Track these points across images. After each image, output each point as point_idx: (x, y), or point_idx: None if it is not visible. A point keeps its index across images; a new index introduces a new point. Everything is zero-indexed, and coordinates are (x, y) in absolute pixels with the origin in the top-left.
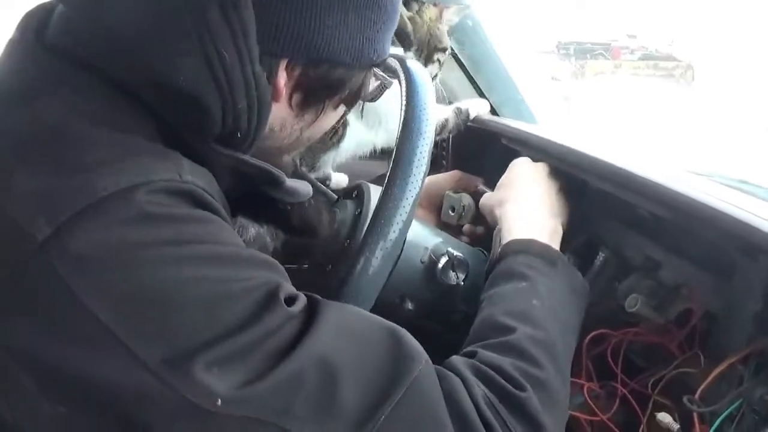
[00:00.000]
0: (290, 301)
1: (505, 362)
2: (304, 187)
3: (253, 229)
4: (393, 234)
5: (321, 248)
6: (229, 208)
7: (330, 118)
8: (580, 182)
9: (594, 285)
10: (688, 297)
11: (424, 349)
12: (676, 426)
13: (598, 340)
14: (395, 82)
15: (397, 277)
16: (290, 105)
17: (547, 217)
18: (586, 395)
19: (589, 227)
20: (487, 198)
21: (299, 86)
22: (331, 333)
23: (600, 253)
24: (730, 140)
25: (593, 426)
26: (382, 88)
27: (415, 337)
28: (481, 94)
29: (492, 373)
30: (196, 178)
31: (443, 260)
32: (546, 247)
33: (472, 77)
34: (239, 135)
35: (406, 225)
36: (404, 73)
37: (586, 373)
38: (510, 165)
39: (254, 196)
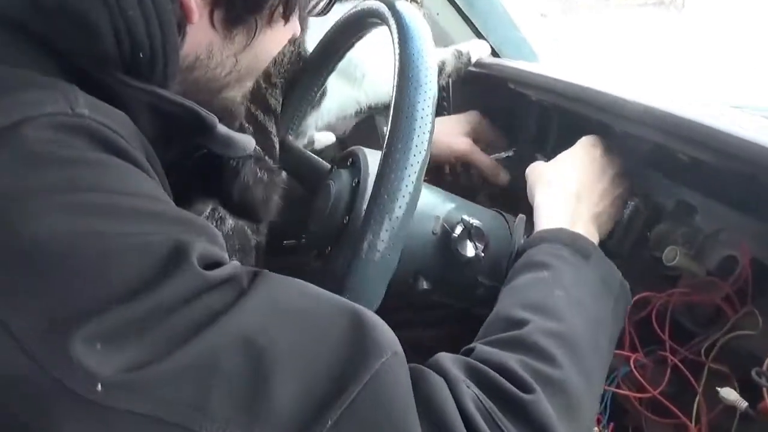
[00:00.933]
0: (211, 266)
1: (509, 358)
2: (243, 139)
3: (231, 221)
4: (399, 210)
5: (317, 226)
6: (159, 162)
7: (271, 40)
8: (599, 125)
9: (624, 238)
10: (729, 243)
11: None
12: (743, 404)
13: (639, 304)
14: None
15: (407, 254)
16: (212, 24)
17: (590, 207)
18: (633, 367)
19: None
20: (535, 168)
21: (216, 2)
22: (266, 309)
23: (628, 202)
24: (728, 65)
25: (642, 403)
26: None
27: (437, 315)
28: (479, 35)
29: (488, 370)
30: (98, 114)
31: (458, 230)
32: (576, 236)
33: (466, 16)
34: (142, 57)
35: (414, 197)
36: (393, 16)
37: (629, 342)
38: (579, 141)
39: (195, 155)
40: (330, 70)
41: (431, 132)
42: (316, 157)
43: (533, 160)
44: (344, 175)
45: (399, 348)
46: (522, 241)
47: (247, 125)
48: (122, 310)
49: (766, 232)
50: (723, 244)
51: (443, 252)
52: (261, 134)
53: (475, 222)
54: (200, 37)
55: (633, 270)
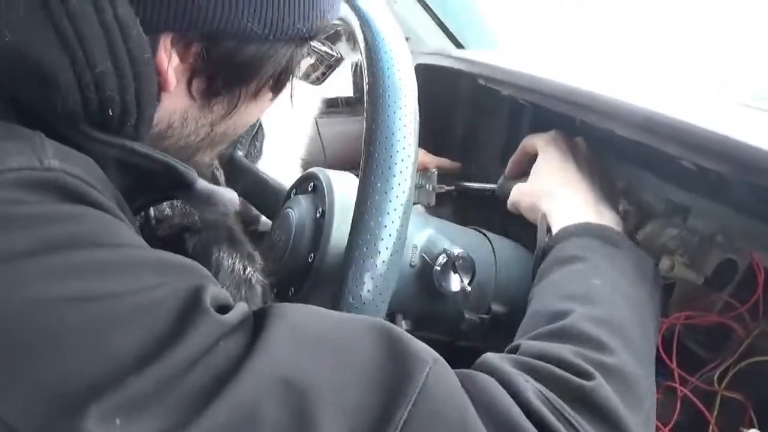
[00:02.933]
0: (223, 309)
1: (561, 349)
2: (225, 194)
3: (228, 261)
4: (386, 253)
5: (276, 264)
6: (130, 212)
7: (253, 110)
8: (575, 123)
9: None
10: (727, 246)
11: None
12: None
13: None
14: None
15: None
16: (190, 94)
17: (606, 202)
18: None
19: None
20: (524, 192)
21: (198, 70)
22: (291, 342)
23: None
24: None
25: None
26: (325, 66)
27: None
28: (439, 22)
29: (542, 363)
30: (68, 163)
31: (441, 261)
32: (603, 227)
33: (425, 3)
34: (111, 113)
35: (400, 238)
36: (357, 18)
37: None
38: (541, 144)
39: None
40: None
41: (416, 159)
42: (271, 178)
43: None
44: (305, 202)
45: (438, 355)
46: (546, 239)
47: None
48: (138, 378)
49: None
50: (721, 247)
51: (424, 287)
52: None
53: (458, 251)
54: (175, 104)
55: None
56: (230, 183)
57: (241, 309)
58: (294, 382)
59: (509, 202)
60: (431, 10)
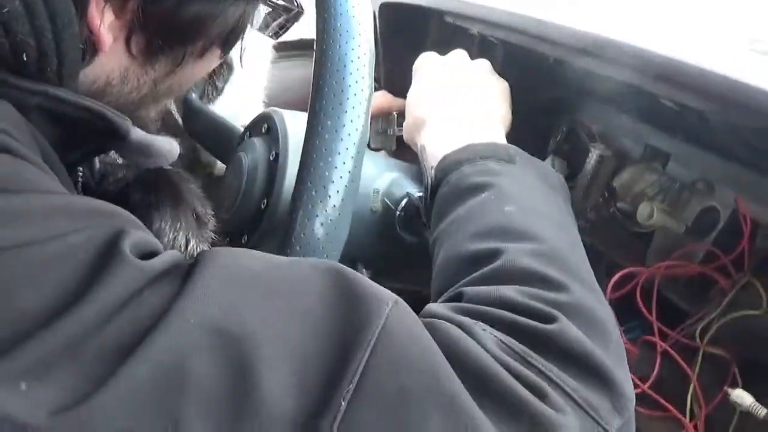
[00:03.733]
0: (148, 256)
1: (510, 291)
2: (164, 145)
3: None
4: (337, 197)
5: (229, 209)
6: (62, 167)
7: (200, 67)
8: (549, 62)
9: (589, 190)
10: (709, 194)
11: None
12: (763, 411)
13: (619, 280)
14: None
15: None
16: (129, 52)
17: (492, 116)
18: None
19: (569, 118)
20: (406, 126)
21: (136, 29)
22: (223, 287)
23: (592, 149)
24: None
25: None
26: (284, 18)
27: None
28: None
29: (496, 310)
30: None
31: (403, 206)
32: (491, 146)
33: None
34: (26, 58)
35: (353, 181)
36: None
37: None
38: (414, 68)
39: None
40: None
41: (369, 95)
42: (224, 119)
43: None
44: (258, 145)
45: (397, 297)
46: (432, 174)
47: None
48: (46, 337)
49: (757, 182)
50: (702, 194)
51: (386, 234)
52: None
53: (423, 194)
54: (113, 61)
55: (599, 227)
56: (184, 125)
57: (170, 256)
58: (227, 331)
59: (405, 139)
60: None
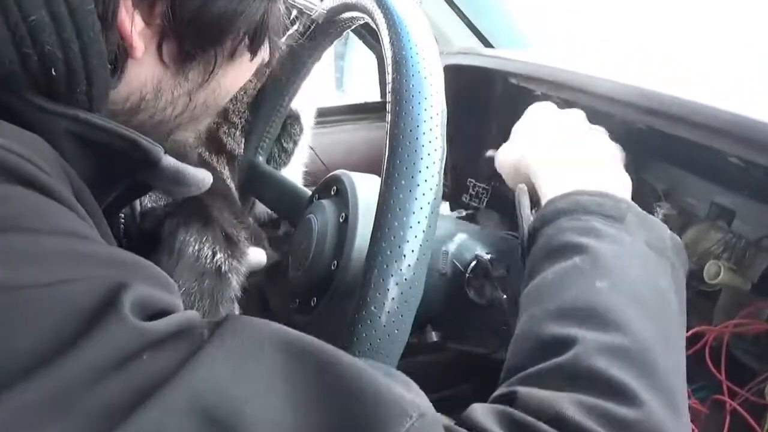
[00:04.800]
0: (155, 316)
1: (565, 402)
2: (196, 174)
3: (194, 247)
4: (411, 256)
5: (297, 272)
6: (95, 204)
7: (232, 75)
8: (614, 121)
9: None
10: None
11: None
12: None
13: (688, 341)
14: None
15: None
16: (162, 61)
17: (599, 159)
18: None
19: (634, 177)
20: (504, 152)
21: (166, 33)
22: (231, 366)
23: (657, 207)
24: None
25: None
26: (306, 19)
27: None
28: (467, 23)
29: (540, 426)
30: (12, 141)
31: (472, 268)
32: (602, 197)
33: (453, 2)
34: (55, 74)
35: (428, 240)
36: (380, 9)
37: None
38: (529, 109)
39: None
40: (302, 78)
41: (443, 156)
42: (292, 182)
43: None
44: (328, 207)
45: (427, 407)
46: (531, 219)
47: None
48: (32, 383)
49: None
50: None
51: (455, 296)
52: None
53: (492, 257)
54: (146, 73)
55: None
56: (251, 189)
57: (179, 318)
58: (217, 415)
59: (497, 164)
60: (459, 9)
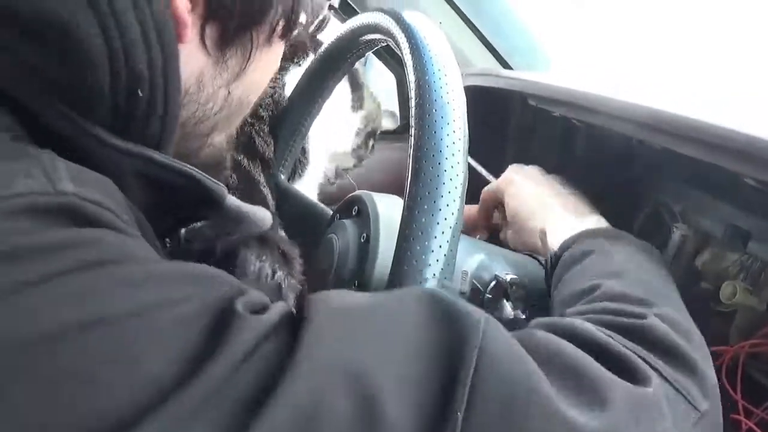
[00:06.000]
0: (259, 312)
1: (606, 305)
2: (257, 213)
3: (255, 265)
4: (433, 280)
5: (318, 290)
6: (154, 236)
7: (265, 64)
8: (632, 143)
9: (672, 271)
10: None
11: None
12: None
13: None
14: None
15: None
16: (204, 46)
17: (585, 210)
18: None
19: (651, 198)
20: (514, 238)
21: (211, 13)
22: (337, 328)
23: (674, 228)
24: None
25: None
26: (321, 13)
27: None
28: (486, 44)
29: (593, 315)
30: (84, 186)
31: (491, 288)
32: (603, 228)
33: (473, 24)
34: (141, 95)
35: (449, 264)
36: (403, 32)
37: None
38: (505, 183)
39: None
40: (323, 98)
41: (464, 182)
42: (314, 201)
43: None
44: (349, 228)
45: (486, 313)
46: (552, 253)
47: (230, 174)
48: (181, 397)
49: None
50: None
51: None
52: (248, 185)
53: (511, 277)
54: (190, 63)
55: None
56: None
57: (280, 307)
58: (350, 368)
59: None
60: (479, 31)
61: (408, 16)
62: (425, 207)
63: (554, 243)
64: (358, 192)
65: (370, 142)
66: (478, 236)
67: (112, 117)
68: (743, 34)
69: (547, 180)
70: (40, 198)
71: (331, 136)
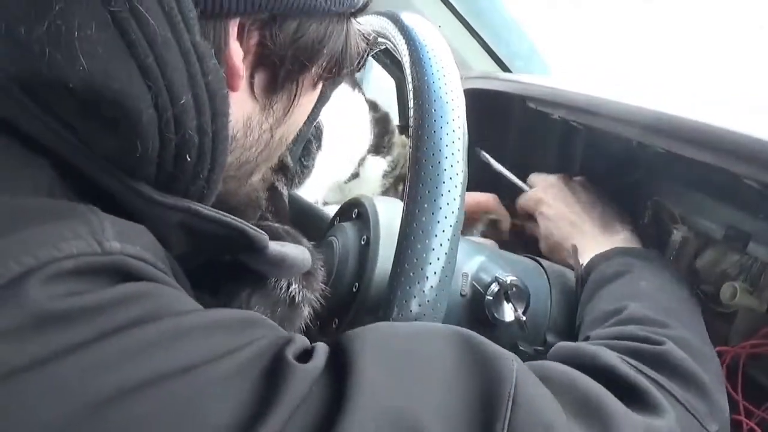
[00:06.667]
0: (305, 356)
1: (628, 329)
2: (298, 256)
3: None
4: (434, 278)
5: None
6: (184, 278)
7: (306, 103)
8: (632, 145)
9: None
10: None
11: None
12: None
13: None
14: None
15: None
16: (253, 93)
17: (618, 227)
18: None
19: (651, 200)
20: (544, 246)
21: (261, 60)
22: (383, 371)
23: (675, 231)
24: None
25: None
26: (365, 50)
27: None
28: (486, 48)
29: (615, 341)
30: (128, 243)
31: (493, 290)
32: (633, 248)
33: (472, 28)
34: (189, 160)
35: (449, 262)
36: (402, 34)
37: None
38: (543, 190)
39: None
40: (322, 101)
41: (464, 181)
42: (314, 204)
43: None
44: (349, 230)
45: (514, 354)
46: (582, 269)
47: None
48: None
49: None
50: None
51: (475, 317)
52: (273, 196)
53: (511, 279)
54: (238, 109)
55: None
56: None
57: (321, 351)
58: (397, 411)
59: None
60: (478, 35)
61: (406, 17)
62: (425, 206)
63: (585, 260)
64: (358, 195)
65: (399, 187)
66: (474, 231)
67: (157, 176)
68: (742, 34)
69: (574, 194)
70: (90, 258)
71: (335, 165)
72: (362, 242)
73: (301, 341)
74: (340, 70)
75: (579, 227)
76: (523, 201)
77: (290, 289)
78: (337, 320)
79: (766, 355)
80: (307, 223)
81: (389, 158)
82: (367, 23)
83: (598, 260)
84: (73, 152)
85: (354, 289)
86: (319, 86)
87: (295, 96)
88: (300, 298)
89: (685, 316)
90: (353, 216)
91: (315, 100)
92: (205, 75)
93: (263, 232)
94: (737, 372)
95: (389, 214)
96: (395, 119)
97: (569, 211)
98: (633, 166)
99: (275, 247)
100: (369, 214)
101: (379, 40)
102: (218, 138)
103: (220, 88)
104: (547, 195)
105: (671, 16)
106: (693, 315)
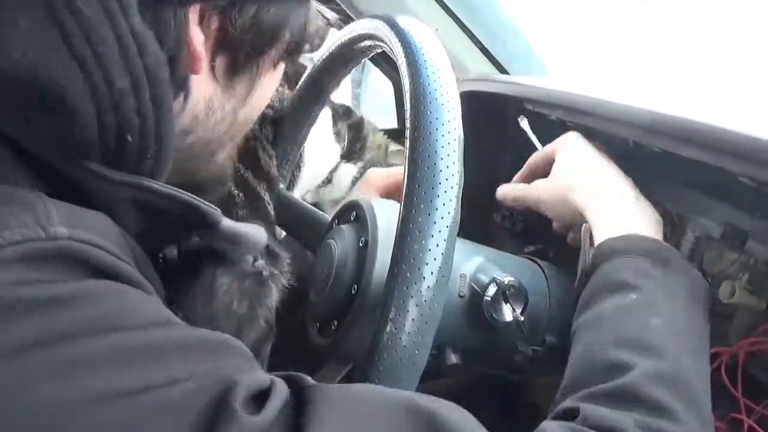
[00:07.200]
0: (257, 401)
1: (624, 420)
2: (252, 233)
3: (224, 279)
4: (431, 278)
5: (318, 296)
6: (148, 262)
7: (268, 86)
8: (628, 145)
9: None
10: None
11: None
12: None
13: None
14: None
15: None
16: (214, 75)
17: (642, 203)
18: None
19: (646, 199)
20: (547, 187)
21: (222, 44)
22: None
23: (689, 231)
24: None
25: None
26: (323, 30)
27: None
28: (483, 50)
29: (614, 418)
30: (77, 228)
31: (491, 291)
32: (653, 242)
33: (469, 30)
34: (130, 140)
35: (447, 262)
36: (397, 37)
37: None
38: (561, 142)
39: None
40: (321, 105)
41: (460, 181)
42: (312, 208)
43: None
44: (347, 232)
45: (477, 421)
46: (590, 255)
47: (237, 192)
48: None
49: None
50: None
51: (474, 318)
52: (253, 202)
53: (509, 279)
54: (199, 91)
55: None
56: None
57: (278, 401)
58: None
59: (538, 200)
60: (476, 37)
61: (402, 20)
62: (422, 206)
63: (596, 238)
64: (356, 198)
65: None
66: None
67: (103, 155)
68: (740, 35)
69: (599, 151)
70: (33, 244)
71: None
72: (360, 244)
73: (258, 382)
74: (299, 50)
75: (599, 188)
76: (536, 156)
77: (257, 264)
78: (336, 322)
79: (765, 353)
80: (305, 226)
81: (359, 164)
82: (363, 26)
83: (608, 250)
84: (29, 138)
85: (353, 291)
86: (281, 67)
87: (256, 77)
88: (267, 274)
89: (697, 378)
90: (351, 218)
91: (277, 81)
92: (143, 58)
93: (216, 208)
94: (736, 370)
95: (387, 216)
96: (377, 123)
97: (597, 160)
98: (630, 166)
99: (228, 223)
100: (367, 216)
101: (376, 43)
102: (161, 119)
103: (160, 72)
104: (580, 139)
105: (669, 17)
106: (703, 368)
